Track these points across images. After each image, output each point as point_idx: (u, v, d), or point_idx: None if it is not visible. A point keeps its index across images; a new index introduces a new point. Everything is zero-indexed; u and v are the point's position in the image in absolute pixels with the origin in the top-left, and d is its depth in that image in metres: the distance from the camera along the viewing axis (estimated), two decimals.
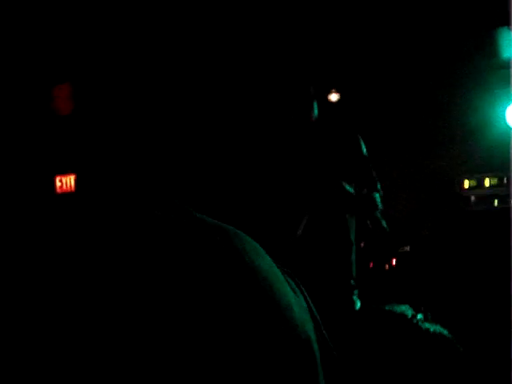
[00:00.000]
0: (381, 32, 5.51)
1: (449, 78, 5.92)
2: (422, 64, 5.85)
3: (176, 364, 0.53)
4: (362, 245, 5.41)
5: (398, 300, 1.42)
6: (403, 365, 1.29)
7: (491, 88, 5.79)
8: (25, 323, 0.57)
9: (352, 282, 4.58)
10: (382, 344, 1.32)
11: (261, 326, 0.55)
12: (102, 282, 0.56)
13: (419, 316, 1.36)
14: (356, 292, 4.45)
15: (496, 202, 5.94)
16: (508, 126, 5.80)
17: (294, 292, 0.65)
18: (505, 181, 5.92)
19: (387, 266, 5.55)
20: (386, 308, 1.39)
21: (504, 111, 5.81)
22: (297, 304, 0.61)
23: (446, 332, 1.33)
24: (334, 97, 5.79)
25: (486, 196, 5.97)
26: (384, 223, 4.20)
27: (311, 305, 0.68)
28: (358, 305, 4.34)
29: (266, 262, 0.61)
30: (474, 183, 6.02)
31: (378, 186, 4.10)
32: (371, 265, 5.42)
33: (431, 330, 1.33)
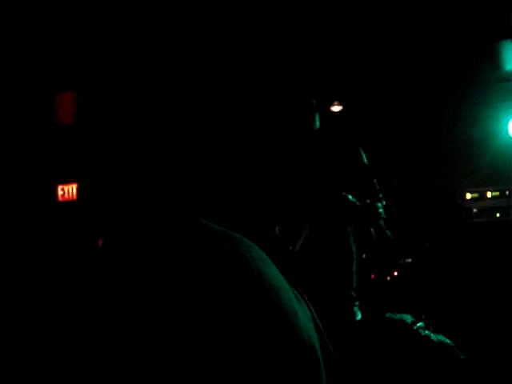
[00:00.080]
0: (385, 44, 5.53)
1: (452, 90, 5.94)
2: (426, 76, 5.87)
3: (182, 368, 0.53)
4: (364, 256, 5.39)
5: (399, 310, 1.42)
6: (404, 372, 1.29)
7: (494, 101, 5.80)
8: (25, 323, 0.57)
9: (353, 293, 4.56)
10: (383, 352, 1.31)
11: (267, 332, 0.55)
12: (109, 288, 0.56)
13: (420, 324, 1.35)
14: (357, 303, 4.42)
15: (498, 213, 5.94)
16: (511, 139, 5.80)
17: (298, 301, 0.65)
18: (507, 193, 5.93)
19: (389, 278, 5.54)
20: (387, 316, 1.39)
21: (507, 124, 5.82)
22: (301, 311, 0.61)
23: (447, 341, 1.33)
24: (336, 108, 5.80)
25: (488, 208, 5.98)
26: (388, 232, 4.18)
27: (314, 314, 0.69)
28: (359, 316, 4.32)
29: (272, 270, 0.62)
30: (476, 195, 6.02)
31: (381, 196, 4.08)
32: (373, 276, 5.41)
33: (432, 337, 1.33)
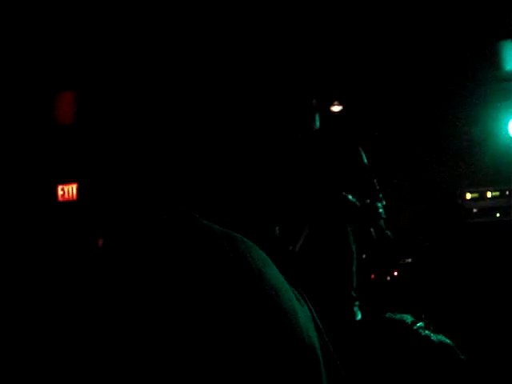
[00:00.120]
0: (385, 44, 5.52)
1: (452, 90, 5.93)
2: (426, 76, 5.86)
3: (182, 368, 0.53)
4: (364, 256, 5.39)
5: (399, 310, 1.42)
6: (404, 372, 1.29)
7: (494, 101, 5.80)
8: (24, 323, 0.57)
9: (353, 293, 4.55)
10: (383, 352, 1.31)
11: (267, 332, 0.55)
12: (109, 288, 0.56)
13: (419, 323, 1.35)
14: (357, 303, 4.42)
15: (498, 213, 5.95)
16: (511, 139, 5.80)
17: (298, 301, 0.65)
18: (507, 193, 5.93)
19: (389, 278, 5.55)
20: (387, 316, 1.39)
21: (507, 124, 5.82)
22: (301, 311, 0.61)
23: (447, 341, 1.33)
24: (336, 108, 5.80)
25: (488, 208, 5.98)
26: (388, 232, 4.19)
27: (314, 314, 0.69)
28: (359, 316, 4.32)
29: (272, 270, 0.62)
30: (476, 195, 6.02)
31: (381, 196, 4.08)
32: (373, 276, 5.41)
33: (432, 337, 1.33)
